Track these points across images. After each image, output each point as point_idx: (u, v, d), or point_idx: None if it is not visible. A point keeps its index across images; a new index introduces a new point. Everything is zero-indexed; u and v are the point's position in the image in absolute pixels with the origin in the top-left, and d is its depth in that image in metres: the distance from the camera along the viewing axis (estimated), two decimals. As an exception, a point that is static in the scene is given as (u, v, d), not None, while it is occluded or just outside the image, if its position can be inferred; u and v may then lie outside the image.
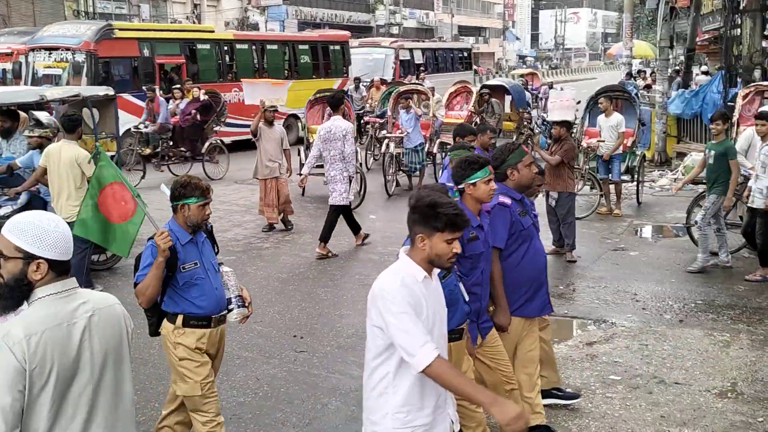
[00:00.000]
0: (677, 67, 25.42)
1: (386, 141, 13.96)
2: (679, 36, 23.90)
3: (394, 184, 13.60)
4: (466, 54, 34.03)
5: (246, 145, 20.09)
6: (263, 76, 20.68)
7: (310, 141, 13.56)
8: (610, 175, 11.60)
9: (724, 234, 8.79)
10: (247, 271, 8.82)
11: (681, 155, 15.35)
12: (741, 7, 14.64)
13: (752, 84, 13.12)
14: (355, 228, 9.97)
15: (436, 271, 3.15)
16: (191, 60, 19.77)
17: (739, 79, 14.39)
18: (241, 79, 17.89)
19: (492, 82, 18.15)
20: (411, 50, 28.88)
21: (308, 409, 5.40)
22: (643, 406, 5.37)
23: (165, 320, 4.26)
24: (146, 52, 18.35)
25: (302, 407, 5.42)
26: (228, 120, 19.18)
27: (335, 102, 9.74)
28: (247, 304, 4.41)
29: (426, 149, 14.36)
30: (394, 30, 58.31)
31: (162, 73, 18.77)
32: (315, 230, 10.21)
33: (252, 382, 5.86)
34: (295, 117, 20.08)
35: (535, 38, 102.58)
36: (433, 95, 16.92)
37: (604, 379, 5.84)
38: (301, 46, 23.14)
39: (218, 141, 16.02)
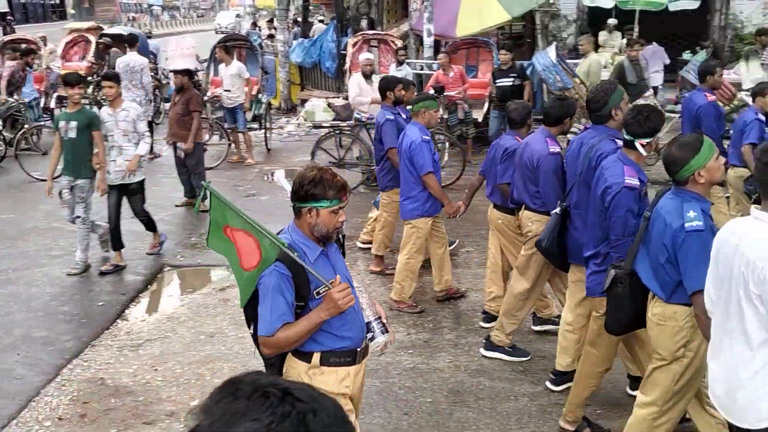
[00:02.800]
0: (295, 17, 26.55)
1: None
2: (297, -14, 24.87)
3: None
4: (58, 1, 31.06)
5: None
6: None
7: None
8: (237, 124, 11.77)
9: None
10: None
11: (305, 102, 16.17)
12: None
13: (360, 33, 14.28)
14: None
15: None
16: None
17: (349, 29, 15.53)
18: None
19: (112, 30, 17.03)
20: None
21: None
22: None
23: (292, 358, 3.19)
24: None
25: None
26: None
27: (132, 40, 12.02)
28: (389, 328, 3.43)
29: (42, 104, 13.15)
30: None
31: None
32: None
33: None
34: None
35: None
36: (45, 45, 15.48)
37: (236, 321, 6.01)
38: None
39: None
